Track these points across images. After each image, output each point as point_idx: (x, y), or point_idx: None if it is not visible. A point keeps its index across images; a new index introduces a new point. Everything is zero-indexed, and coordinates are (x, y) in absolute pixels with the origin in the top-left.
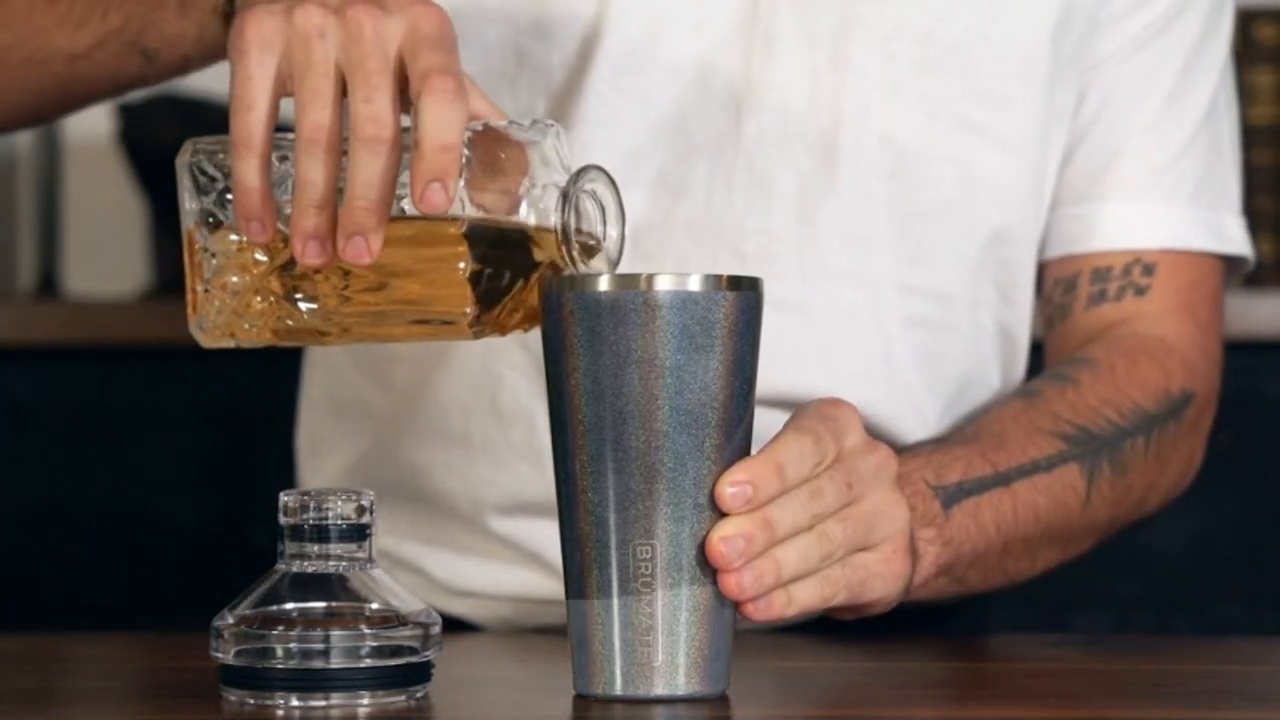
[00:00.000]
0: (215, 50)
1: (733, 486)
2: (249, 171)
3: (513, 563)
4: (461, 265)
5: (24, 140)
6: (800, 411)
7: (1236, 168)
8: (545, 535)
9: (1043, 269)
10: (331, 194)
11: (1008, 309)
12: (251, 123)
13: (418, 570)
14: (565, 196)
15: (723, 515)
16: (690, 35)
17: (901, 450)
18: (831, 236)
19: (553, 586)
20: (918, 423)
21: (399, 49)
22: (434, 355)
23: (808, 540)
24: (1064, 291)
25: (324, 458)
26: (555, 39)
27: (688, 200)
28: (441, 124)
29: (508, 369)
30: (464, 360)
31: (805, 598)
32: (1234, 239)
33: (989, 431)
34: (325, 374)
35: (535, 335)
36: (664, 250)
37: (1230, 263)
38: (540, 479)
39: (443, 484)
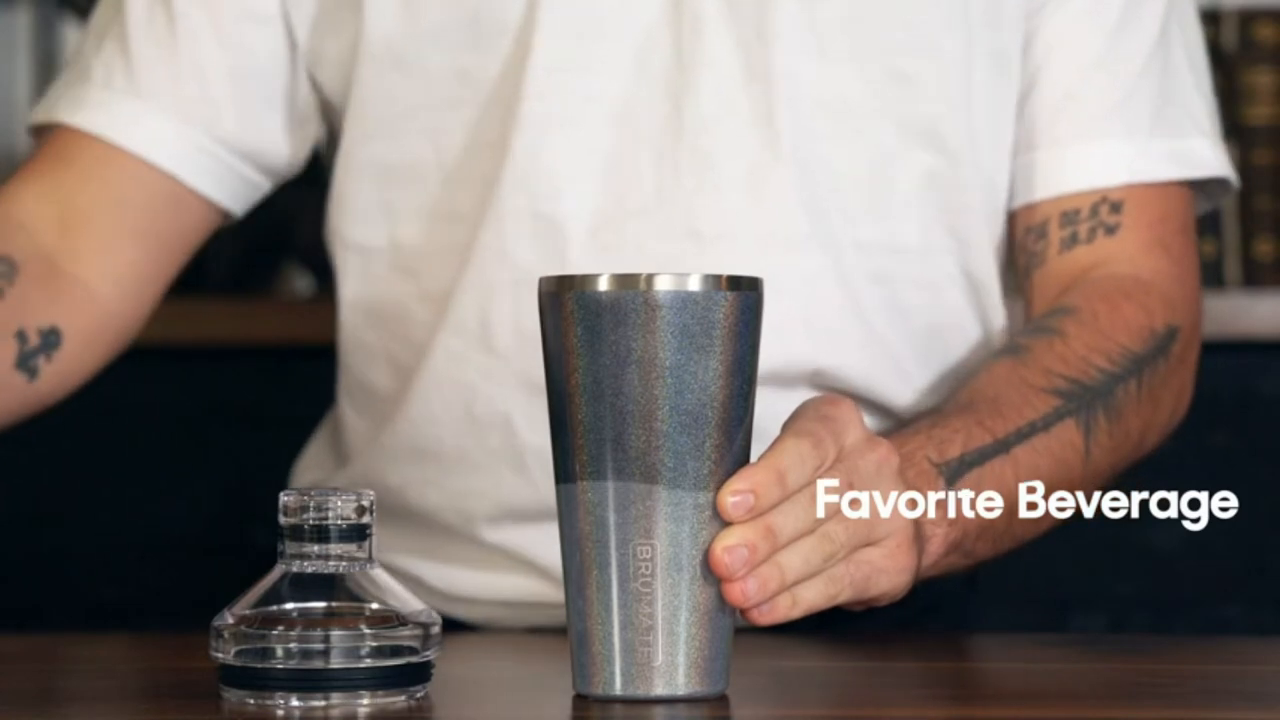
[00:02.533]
0: None
1: (734, 495)
2: None
3: (506, 570)
4: None
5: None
6: (799, 413)
7: (1203, 90)
8: (535, 541)
9: (1013, 218)
10: None
11: (966, 252)
12: None
13: (413, 578)
14: None
15: (723, 516)
16: (619, 26)
17: (900, 428)
18: (784, 205)
19: (547, 590)
20: (899, 379)
21: None
22: (404, 371)
23: (810, 543)
24: (1036, 238)
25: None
26: (491, 50)
27: (638, 188)
28: None
29: (478, 377)
30: (431, 375)
31: (810, 598)
32: (1203, 161)
33: (983, 396)
34: (332, 416)
35: (501, 337)
36: (621, 239)
37: (1212, 186)
38: (525, 484)
39: (422, 501)
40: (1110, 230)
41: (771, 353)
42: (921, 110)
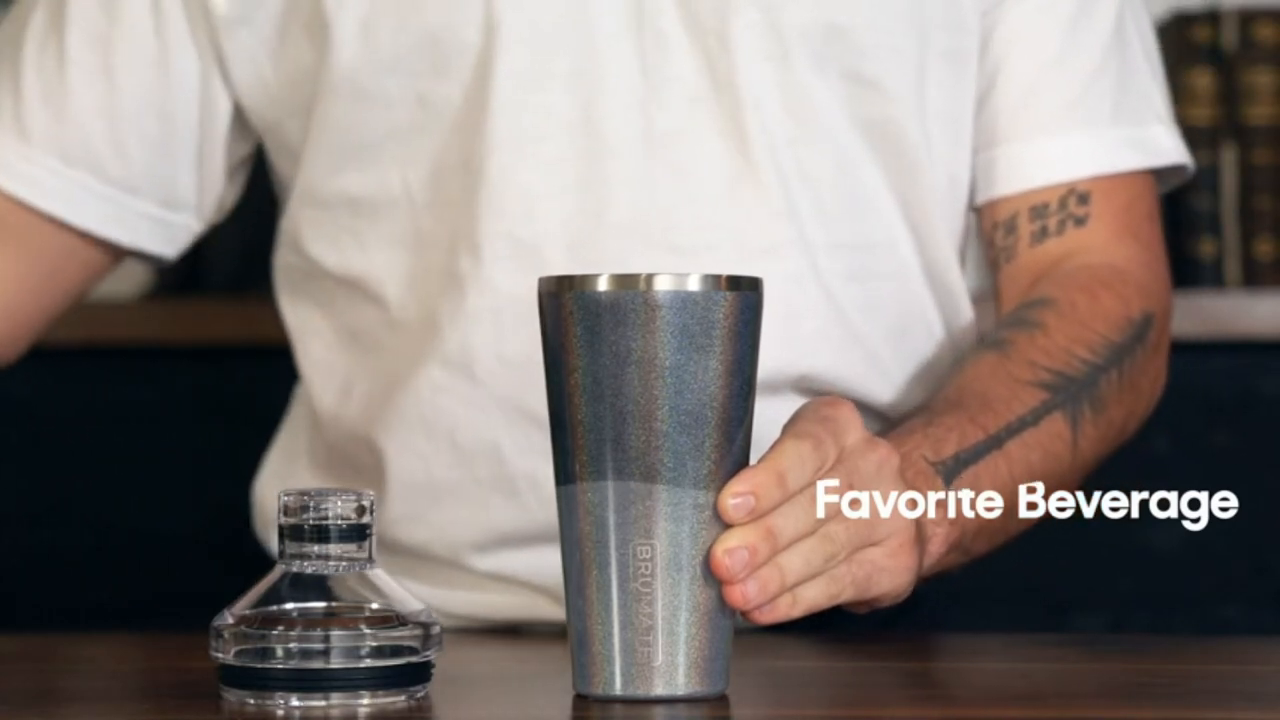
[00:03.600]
0: None
1: (735, 498)
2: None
3: (500, 592)
4: None
5: None
6: (799, 415)
7: (1158, 78)
8: (529, 564)
9: (980, 215)
10: None
11: (925, 248)
12: None
13: None
14: None
15: (724, 518)
16: (582, 43)
17: (895, 429)
18: (759, 212)
19: (542, 606)
20: (879, 376)
21: None
22: (379, 406)
23: (810, 544)
24: (1005, 233)
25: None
26: (452, 74)
27: (613, 202)
28: None
29: (460, 406)
30: (412, 408)
31: (811, 597)
32: (1164, 149)
33: (971, 392)
34: (291, 436)
35: (484, 364)
36: (601, 254)
37: (1171, 173)
38: (517, 510)
39: (410, 536)
40: (1080, 221)
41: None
42: (880, 112)
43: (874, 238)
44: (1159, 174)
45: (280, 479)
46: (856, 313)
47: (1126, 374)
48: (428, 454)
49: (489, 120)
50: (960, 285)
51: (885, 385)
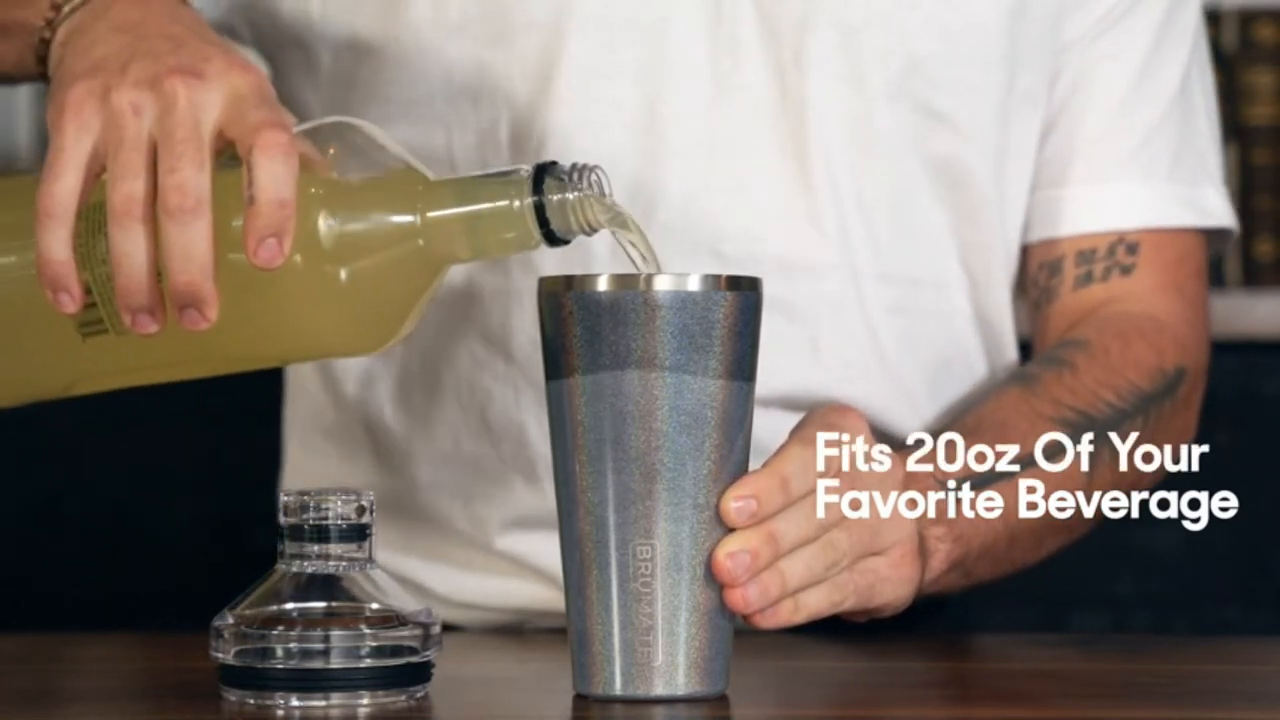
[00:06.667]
0: (35, 78)
1: (737, 501)
2: (54, 243)
3: (512, 576)
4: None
5: (24, 139)
6: (805, 421)
7: (1214, 139)
8: (543, 549)
9: (1026, 253)
10: (151, 264)
11: (979, 292)
12: (58, 193)
13: (416, 585)
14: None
15: (726, 522)
16: (655, 38)
17: (906, 445)
18: (809, 232)
19: (552, 597)
20: (909, 411)
21: (220, 116)
22: (421, 376)
23: (813, 550)
24: (1049, 274)
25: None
26: (515, 50)
27: (664, 203)
28: (276, 179)
29: (494, 383)
30: (449, 378)
31: (813, 604)
32: (1214, 211)
33: (992, 421)
34: (306, 398)
35: (521, 346)
36: None
37: (1214, 234)
38: (535, 492)
39: (435, 503)
40: (1126, 270)
41: (786, 378)
42: (949, 149)
43: (924, 274)
44: (1206, 236)
45: (306, 467)
46: (895, 347)
47: (1152, 424)
48: (459, 426)
49: (550, 106)
50: (1009, 328)
51: (916, 420)
